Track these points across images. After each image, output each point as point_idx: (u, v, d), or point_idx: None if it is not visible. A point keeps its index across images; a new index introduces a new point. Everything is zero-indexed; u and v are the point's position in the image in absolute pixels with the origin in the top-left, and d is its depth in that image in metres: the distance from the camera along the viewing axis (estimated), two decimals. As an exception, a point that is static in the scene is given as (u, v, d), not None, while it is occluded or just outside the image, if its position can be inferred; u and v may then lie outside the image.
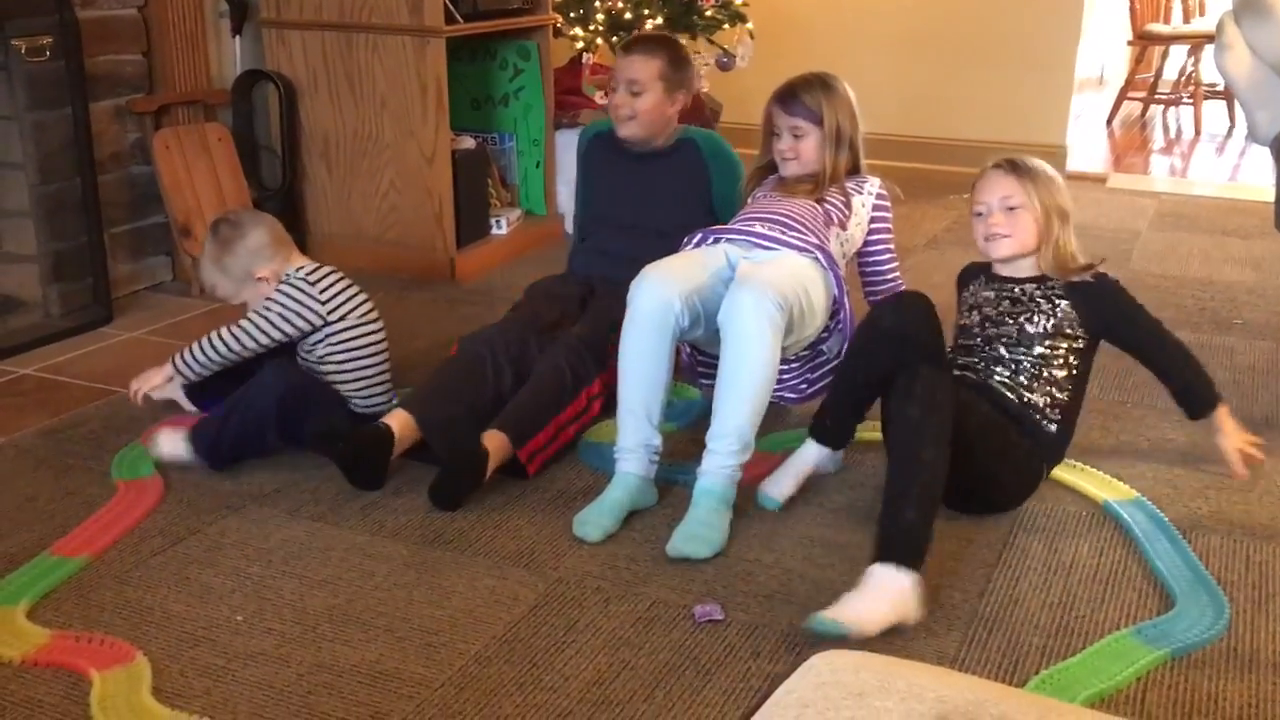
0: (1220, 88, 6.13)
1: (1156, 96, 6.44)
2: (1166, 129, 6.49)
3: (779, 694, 0.99)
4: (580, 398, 2.44)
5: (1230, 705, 1.69)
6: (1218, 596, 1.94)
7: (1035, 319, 2.22)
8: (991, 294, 2.30)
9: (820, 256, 2.38)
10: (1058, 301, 2.22)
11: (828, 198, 2.54)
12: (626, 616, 1.89)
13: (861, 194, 2.60)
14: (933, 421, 1.94)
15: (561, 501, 2.26)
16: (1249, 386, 2.85)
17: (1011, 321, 2.23)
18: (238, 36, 3.65)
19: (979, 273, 2.38)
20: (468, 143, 3.79)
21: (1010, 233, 2.23)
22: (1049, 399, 2.20)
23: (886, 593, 1.83)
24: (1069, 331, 2.22)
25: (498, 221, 3.90)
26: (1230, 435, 2.31)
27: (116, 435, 2.52)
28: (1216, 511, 2.24)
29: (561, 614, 1.90)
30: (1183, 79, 6.44)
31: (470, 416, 2.37)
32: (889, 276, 2.68)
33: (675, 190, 2.76)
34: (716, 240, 2.45)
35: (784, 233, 2.40)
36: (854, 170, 2.62)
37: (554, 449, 2.39)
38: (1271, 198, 2.88)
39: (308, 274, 2.46)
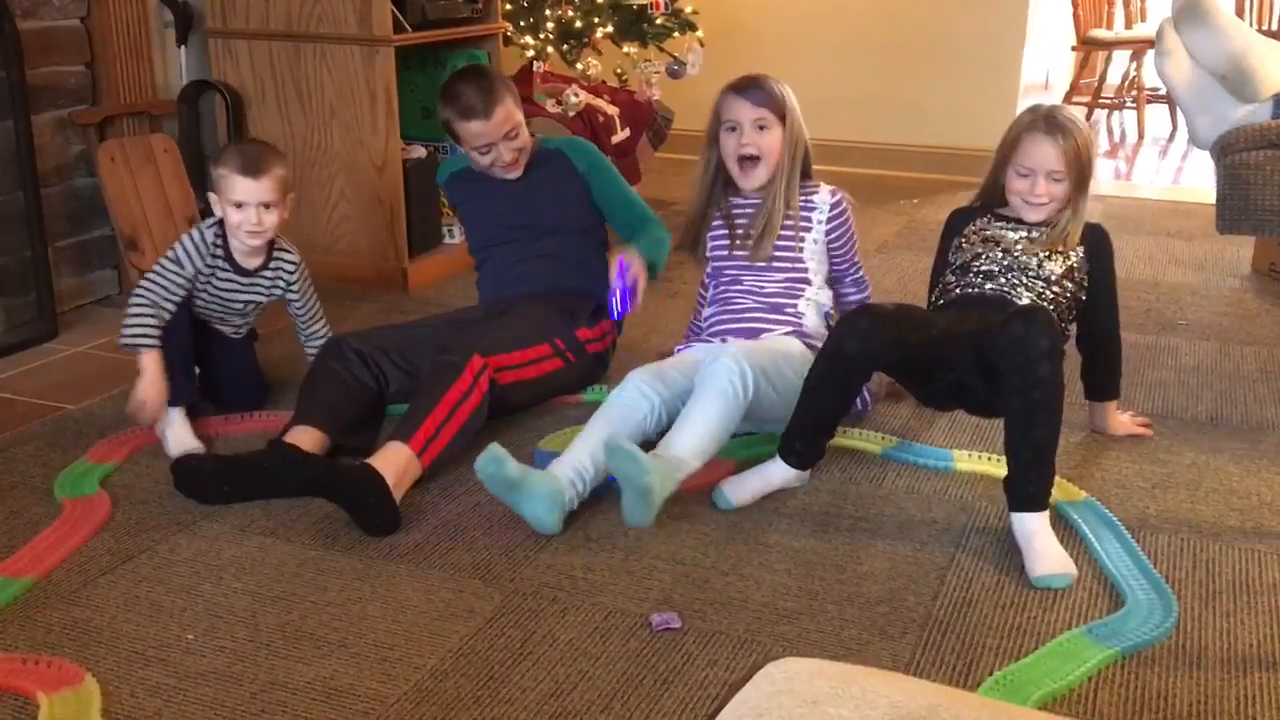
0: (1162, 92, 6.23)
1: (1100, 101, 6.54)
2: (1111, 133, 6.60)
3: (734, 704, 0.99)
4: (464, 375, 2.37)
5: (1180, 702, 1.72)
6: (1166, 595, 1.96)
7: (1054, 257, 2.38)
8: (1009, 232, 2.43)
9: (804, 329, 2.47)
10: (1079, 261, 2.39)
11: (787, 218, 2.51)
12: (584, 627, 1.89)
13: (815, 208, 2.56)
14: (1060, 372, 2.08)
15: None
16: (1193, 386, 2.90)
17: (1033, 257, 2.37)
18: (183, 46, 3.60)
19: (979, 213, 2.50)
20: (419, 152, 3.77)
21: (1050, 200, 2.38)
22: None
23: (1046, 534, 2.07)
24: (1077, 279, 2.40)
25: (450, 231, 3.88)
26: (1121, 422, 2.58)
27: (62, 453, 2.48)
28: (1164, 511, 2.28)
29: (518, 625, 1.89)
30: (1126, 84, 6.54)
31: (345, 429, 2.44)
32: (846, 292, 2.67)
33: (555, 194, 2.79)
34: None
35: (762, 322, 2.48)
36: (805, 175, 2.58)
37: (449, 433, 2.33)
38: (1214, 200, 2.93)
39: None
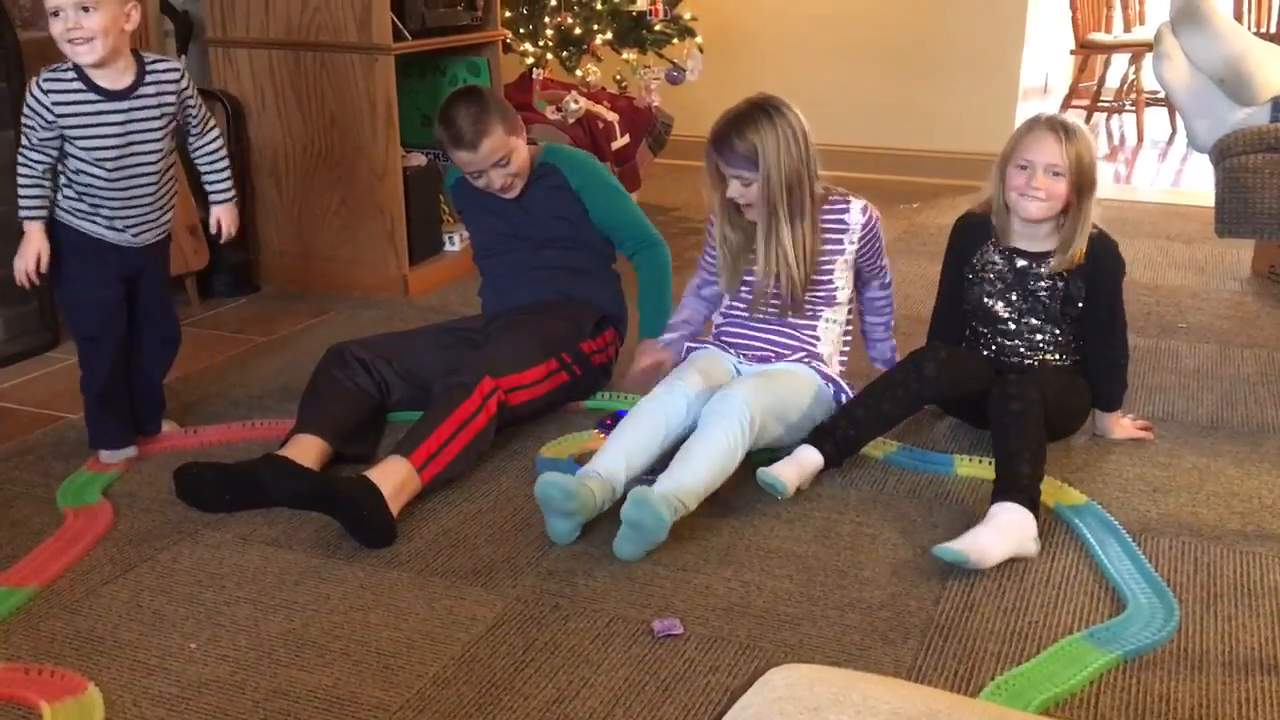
0: (1161, 95, 6.23)
1: (1099, 104, 6.54)
2: (1110, 136, 6.59)
3: (735, 711, 0.99)
4: (473, 396, 2.37)
5: (1181, 705, 1.72)
6: (1167, 598, 1.96)
7: (1053, 303, 2.46)
8: (1005, 269, 2.49)
9: (817, 352, 2.48)
10: (1075, 283, 2.46)
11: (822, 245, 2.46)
12: (585, 633, 1.89)
13: (846, 229, 2.47)
14: (1033, 411, 2.22)
15: (519, 519, 2.25)
16: (1194, 389, 2.90)
17: (1034, 302, 2.47)
18: (183, 56, 3.61)
19: (983, 235, 2.52)
20: (419, 159, 3.77)
21: (1047, 197, 2.38)
22: (1078, 350, 2.53)
23: (1009, 527, 2.07)
24: (1079, 297, 2.48)
25: (450, 238, 3.89)
26: (1122, 426, 2.59)
27: (63, 462, 2.48)
28: (1165, 514, 2.28)
29: (520, 633, 1.89)
30: (1125, 87, 6.54)
31: (345, 439, 2.45)
32: (874, 296, 2.68)
33: (552, 208, 2.78)
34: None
35: (776, 346, 2.49)
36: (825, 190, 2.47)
37: (452, 451, 2.31)
38: (1213, 203, 2.93)
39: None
